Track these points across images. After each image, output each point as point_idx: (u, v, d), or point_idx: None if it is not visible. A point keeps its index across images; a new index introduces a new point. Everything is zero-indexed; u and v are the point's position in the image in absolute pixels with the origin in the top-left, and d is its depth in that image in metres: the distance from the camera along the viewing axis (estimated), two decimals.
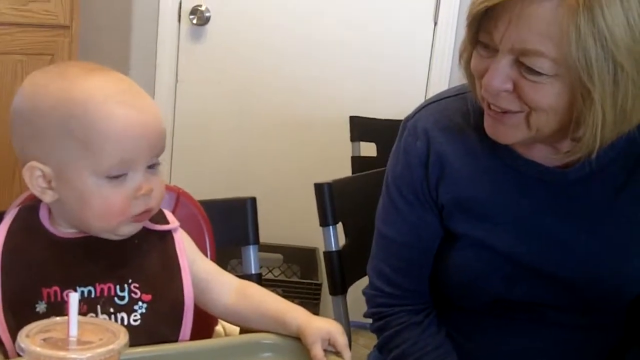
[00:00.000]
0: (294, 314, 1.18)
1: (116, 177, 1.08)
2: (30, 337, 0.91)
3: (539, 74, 1.15)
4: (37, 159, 1.10)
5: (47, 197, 1.12)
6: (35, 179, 1.11)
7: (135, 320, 1.12)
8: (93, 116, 1.06)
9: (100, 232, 1.13)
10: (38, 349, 0.88)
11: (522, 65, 1.16)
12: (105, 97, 1.07)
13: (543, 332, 1.36)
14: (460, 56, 1.29)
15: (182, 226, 1.22)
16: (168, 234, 1.19)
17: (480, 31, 1.21)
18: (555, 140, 1.26)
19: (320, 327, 1.13)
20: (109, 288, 1.12)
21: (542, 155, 1.30)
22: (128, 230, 1.13)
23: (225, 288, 1.22)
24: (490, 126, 1.27)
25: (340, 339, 1.13)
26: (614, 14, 1.10)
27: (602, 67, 1.11)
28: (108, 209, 1.09)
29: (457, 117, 1.37)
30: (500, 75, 1.18)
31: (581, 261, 1.29)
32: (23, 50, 2.97)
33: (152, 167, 1.12)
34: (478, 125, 1.32)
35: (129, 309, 1.12)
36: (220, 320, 1.32)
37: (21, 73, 2.95)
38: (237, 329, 1.28)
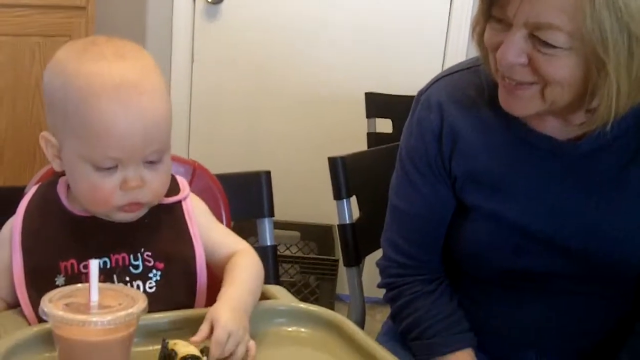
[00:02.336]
0: (221, 300, 1.09)
1: (105, 169, 1.10)
2: (53, 302, 0.94)
3: (553, 47, 1.15)
4: (50, 130, 1.14)
5: (57, 165, 1.16)
6: (48, 147, 1.15)
7: (150, 288, 1.15)
8: (86, 108, 1.07)
9: (94, 213, 1.16)
10: (60, 312, 0.91)
11: (537, 38, 1.16)
12: (101, 89, 1.07)
13: (553, 301, 1.38)
14: (473, 30, 1.30)
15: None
16: (177, 204, 1.21)
17: (494, 5, 1.21)
18: (568, 112, 1.27)
19: (218, 315, 1.04)
20: (123, 258, 1.15)
21: (554, 128, 1.31)
22: (120, 217, 1.15)
23: (224, 250, 1.22)
24: (504, 99, 1.28)
25: (219, 334, 1.01)
26: None
27: (617, 39, 1.12)
28: (92, 194, 1.12)
29: (470, 90, 1.38)
30: (514, 49, 1.19)
31: (591, 232, 1.31)
32: (40, 32, 2.99)
33: (152, 162, 1.12)
34: (491, 98, 1.33)
35: (143, 277, 1.15)
36: None
37: (39, 55, 2.97)
38: None
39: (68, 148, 1.12)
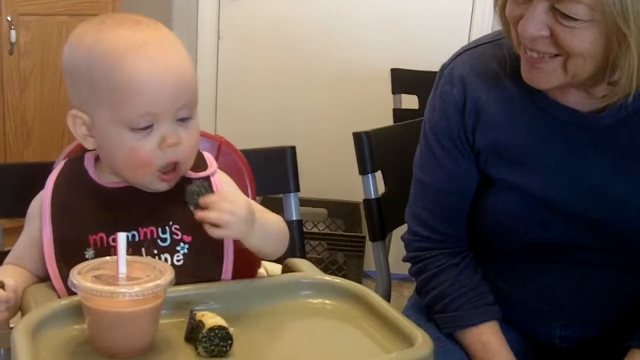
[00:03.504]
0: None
1: (141, 129, 1.11)
2: (82, 275, 0.96)
3: (574, 19, 1.15)
4: (77, 107, 1.15)
5: (89, 143, 1.17)
6: (78, 126, 1.16)
7: (178, 261, 1.16)
8: (112, 68, 1.09)
9: (132, 182, 1.17)
10: (89, 284, 0.93)
11: (558, 11, 1.16)
12: (126, 49, 1.10)
13: (578, 273, 1.38)
14: (495, 3, 1.30)
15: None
16: (206, 179, 1.22)
17: None
18: (590, 85, 1.27)
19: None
20: (152, 231, 1.16)
21: (577, 100, 1.31)
22: (160, 186, 1.17)
23: None
24: (527, 72, 1.28)
25: (227, 203, 1.10)
26: None
27: (638, 11, 1.11)
28: (132, 159, 1.13)
29: (492, 63, 1.38)
30: (535, 21, 1.19)
31: (614, 203, 1.31)
32: (67, 11, 3.02)
33: (183, 120, 1.14)
34: (514, 72, 1.33)
35: (171, 250, 1.16)
36: (263, 263, 1.36)
37: (66, 34, 2.99)
38: (279, 271, 1.31)
39: (101, 118, 1.13)
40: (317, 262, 3.03)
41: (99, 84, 1.11)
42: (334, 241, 3.06)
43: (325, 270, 3.05)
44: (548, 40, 1.20)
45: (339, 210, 3.31)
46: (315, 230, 3.26)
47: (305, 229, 3.16)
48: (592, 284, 1.38)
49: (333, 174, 3.29)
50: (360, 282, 3.08)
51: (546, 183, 1.34)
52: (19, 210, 1.24)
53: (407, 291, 3.04)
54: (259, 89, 3.35)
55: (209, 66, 3.30)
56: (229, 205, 1.09)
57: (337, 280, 1.19)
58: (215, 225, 1.09)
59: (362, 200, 1.73)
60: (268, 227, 1.19)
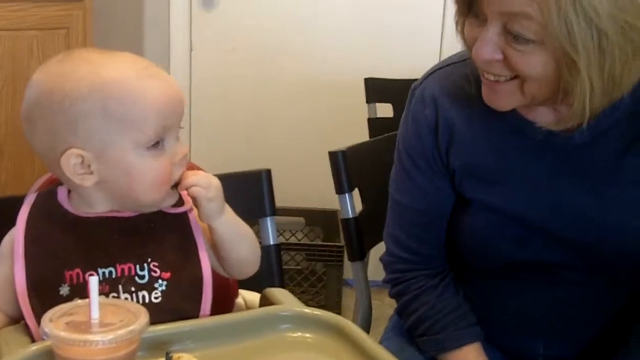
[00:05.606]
0: None
1: (154, 147, 1.12)
2: (54, 321, 0.94)
3: (525, 42, 1.14)
4: (74, 145, 1.11)
5: (88, 181, 1.13)
6: (74, 166, 1.12)
7: (156, 298, 1.14)
8: (130, 93, 1.10)
9: (148, 205, 1.17)
10: (62, 333, 0.91)
11: (510, 34, 1.15)
12: (137, 74, 1.12)
13: (558, 292, 1.37)
14: (456, 24, 1.29)
15: None
16: (184, 214, 1.21)
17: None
18: (554, 103, 1.26)
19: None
20: (129, 268, 1.14)
21: (547, 119, 1.30)
22: (171, 201, 1.18)
23: None
24: (486, 94, 1.28)
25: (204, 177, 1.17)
26: None
27: (586, 36, 1.10)
28: (154, 178, 1.13)
29: (463, 83, 1.37)
30: (488, 44, 1.18)
31: (589, 222, 1.30)
32: (37, 25, 2.98)
33: (178, 139, 1.17)
34: (481, 91, 1.33)
35: (149, 287, 1.14)
36: (240, 292, 1.34)
37: (37, 49, 2.97)
38: (257, 300, 1.30)
39: (117, 147, 1.11)
40: (296, 274, 3.03)
41: (113, 113, 1.10)
42: (313, 252, 3.05)
43: (305, 280, 3.05)
44: (501, 63, 1.19)
45: (317, 218, 3.31)
46: (293, 239, 3.25)
47: (283, 239, 3.18)
48: (573, 302, 1.38)
49: (309, 183, 3.28)
50: (340, 292, 3.09)
51: (521, 202, 1.33)
52: None
53: (388, 299, 3.01)
54: (233, 98, 3.34)
55: (182, 78, 3.27)
56: (203, 178, 1.16)
57: (317, 312, 1.17)
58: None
59: (339, 209, 1.72)
60: (239, 224, 1.23)
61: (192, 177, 1.15)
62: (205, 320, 1.09)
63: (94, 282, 0.95)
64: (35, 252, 1.14)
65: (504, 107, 1.27)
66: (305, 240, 3.28)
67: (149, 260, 1.15)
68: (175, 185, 1.16)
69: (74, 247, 1.14)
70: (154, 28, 3.28)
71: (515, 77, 1.20)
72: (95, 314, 0.94)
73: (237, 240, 1.21)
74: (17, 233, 1.15)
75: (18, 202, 1.20)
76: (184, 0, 3.25)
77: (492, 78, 1.23)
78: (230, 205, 1.36)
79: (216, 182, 1.17)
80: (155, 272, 1.15)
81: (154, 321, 0.98)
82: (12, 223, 1.18)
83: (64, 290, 1.12)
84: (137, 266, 1.15)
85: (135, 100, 1.10)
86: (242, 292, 1.34)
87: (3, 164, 3.01)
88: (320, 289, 3.06)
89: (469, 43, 1.25)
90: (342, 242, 3.00)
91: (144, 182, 1.13)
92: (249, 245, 1.24)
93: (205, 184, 1.15)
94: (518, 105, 1.25)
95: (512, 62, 1.17)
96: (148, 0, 3.28)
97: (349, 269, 3.03)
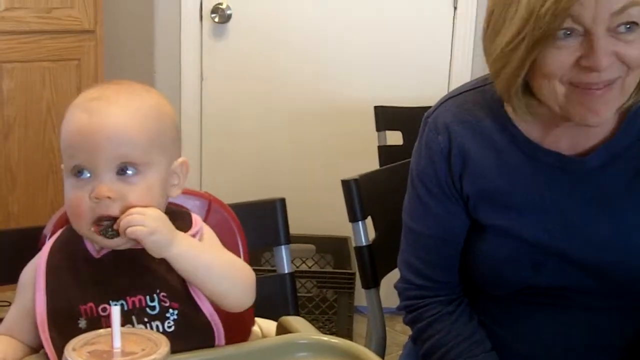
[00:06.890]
0: None
1: (76, 177, 1.13)
2: (77, 350, 0.95)
3: (635, 28, 1.18)
4: None
5: None
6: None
7: (169, 327, 1.14)
8: (64, 119, 1.15)
9: (93, 242, 1.17)
10: None
11: (616, 31, 1.18)
12: (77, 102, 1.16)
13: (574, 317, 1.38)
14: (510, 85, 1.26)
15: (215, 232, 1.25)
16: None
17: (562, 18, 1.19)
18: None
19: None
20: (140, 300, 1.14)
21: (560, 145, 1.32)
22: (106, 242, 1.14)
23: None
24: (592, 108, 1.23)
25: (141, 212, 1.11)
26: None
27: None
28: (69, 208, 1.15)
29: (476, 110, 1.38)
30: (606, 52, 1.19)
31: (604, 246, 1.31)
32: (50, 57, 3.03)
33: (124, 175, 1.13)
34: (496, 118, 1.35)
35: (161, 318, 1.14)
36: (257, 321, 1.34)
37: (49, 79, 3.00)
38: (274, 328, 1.30)
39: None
40: (307, 301, 3.03)
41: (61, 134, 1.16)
42: (324, 279, 3.05)
43: (316, 308, 3.04)
44: (616, 64, 1.21)
45: (328, 245, 3.31)
46: (304, 266, 3.25)
47: (294, 266, 3.18)
48: (588, 327, 1.38)
49: (320, 210, 3.28)
50: (351, 319, 3.08)
51: (536, 227, 1.34)
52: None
53: (399, 325, 3.02)
54: (244, 128, 3.35)
55: (193, 107, 3.30)
56: (136, 216, 1.11)
57: (334, 340, 1.17)
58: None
59: (350, 235, 1.72)
60: (203, 254, 1.17)
61: (125, 218, 1.10)
62: (224, 349, 1.09)
63: (116, 311, 0.96)
64: (56, 284, 1.16)
65: (606, 116, 1.26)
66: (315, 268, 3.28)
67: (158, 291, 1.15)
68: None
69: (85, 282, 1.15)
70: (165, 58, 3.31)
71: (618, 77, 1.22)
72: (117, 343, 0.95)
73: (202, 269, 1.15)
74: (40, 265, 1.17)
75: (34, 233, 1.24)
76: (195, 31, 3.27)
77: (601, 85, 1.22)
78: (245, 233, 1.37)
79: (153, 213, 1.12)
80: (165, 302, 1.15)
81: (171, 350, 0.99)
82: (26, 254, 1.21)
83: (82, 323, 1.13)
84: (148, 297, 1.15)
85: (62, 126, 1.15)
86: (258, 320, 1.35)
87: (15, 194, 3.03)
88: (332, 316, 3.06)
89: (560, 72, 1.23)
90: (353, 269, 3.01)
91: (68, 209, 1.16)
92: (228, 276, 1.18)
93: (138, 221, 1.09)
94: (615, 110, 1.26)
95: (623, 55, 1.20)
96: (158, 32, 3.31)
97: (360, 296, 3.04)
